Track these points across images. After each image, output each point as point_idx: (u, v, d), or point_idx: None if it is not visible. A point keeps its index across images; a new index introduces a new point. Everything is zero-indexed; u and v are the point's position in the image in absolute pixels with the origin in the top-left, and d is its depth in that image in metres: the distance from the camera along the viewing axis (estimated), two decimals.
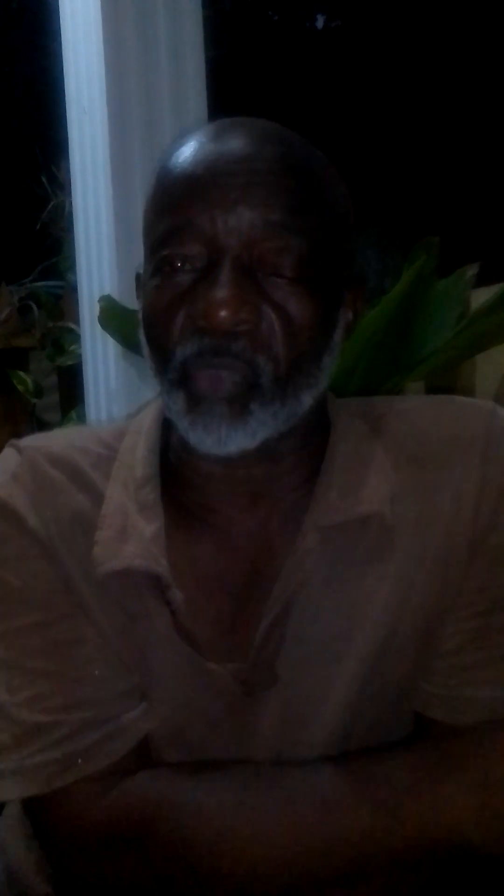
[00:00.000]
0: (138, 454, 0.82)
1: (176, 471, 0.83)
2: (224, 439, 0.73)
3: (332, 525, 0.77)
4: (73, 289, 2.12)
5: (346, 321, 0.80)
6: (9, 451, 0.84)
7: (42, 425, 2.51)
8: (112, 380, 1.73)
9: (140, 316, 0.79)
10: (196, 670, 0.78)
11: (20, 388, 2.50)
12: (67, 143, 1.82)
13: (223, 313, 0.70)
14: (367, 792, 0.73)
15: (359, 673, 0.78)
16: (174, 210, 0.74)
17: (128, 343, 1.57)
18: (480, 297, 1.50)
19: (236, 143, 0.74)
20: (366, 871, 0.72)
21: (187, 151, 0.75)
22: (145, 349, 0.78)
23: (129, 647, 0.78)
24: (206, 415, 0.73)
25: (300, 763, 0.77)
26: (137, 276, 0.83)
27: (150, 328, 0.76)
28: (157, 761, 0.79)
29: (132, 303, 0.89)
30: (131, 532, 0.78)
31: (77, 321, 2.01)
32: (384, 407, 0.86)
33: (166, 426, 0.84)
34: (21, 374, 2.52)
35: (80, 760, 0.75)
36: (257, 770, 0.77)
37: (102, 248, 1.72)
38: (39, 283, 2.64)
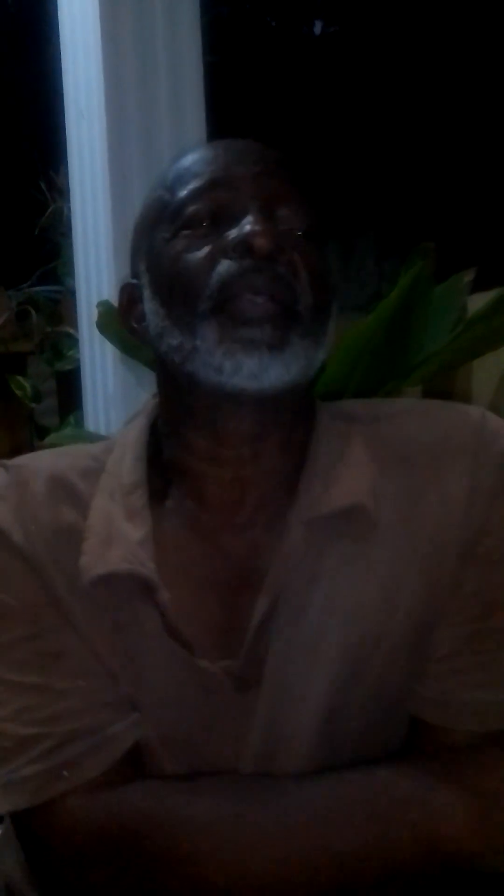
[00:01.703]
0: (125, 463, 0.83)
1: (165, 474, 0.84)
2: (267, 363, 0.74)
3: (316, 518, 0.78)
4: (72, 293, 2.12)
5: (331, 327, 0.82)
6: None
7: (40, 430, 2.51)
8: (110, 385, 1.74)
9: (149, 288, 0.81)
10: (187, 669, 0.78)
11: (18, 392, 2.50)
12: (66, 148, 1.82)
13: (262, 240, 0.74)
14: (362, 803, 0.73)
15: (342, 672, 0.78)
16: (199, 177, 0.79)
17: (126, 348, 1.57)
18: (477, 303, 1.50)
19: (243, 142, 0.83)
20: (363, 883, 0.72)
21: (199, 148, 0.83)
22: (155, 313, 0.79)
23: (119, 655, 0.79)
24: (247, 340, 0.74)
25: (297, 775, 0.76)
26: (127, 287, 0.86)
27: (174, 276, 0.77)
28: (151, 766, 0.79)
29: None
30: (116, 538, 0.79)
31: (75, 326, 2.01)
32: (369, 409, 0.87)
33: (154, 436, 0.86)
34: (19, 378, 2.52)
35: (65, 772, 0.75)
36: (252, 782, 0.77)
37: (101, 253, 1.72)
38: (38, 288, 2.64)
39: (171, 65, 1.70)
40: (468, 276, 1.51)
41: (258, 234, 0.74)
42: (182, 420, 0.82)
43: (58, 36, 1.80)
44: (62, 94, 1.81)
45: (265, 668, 0.77)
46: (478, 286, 1.53)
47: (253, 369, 0.74)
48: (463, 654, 0.78)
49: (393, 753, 0.80)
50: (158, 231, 0.81)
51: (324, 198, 0.85)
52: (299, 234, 0.79)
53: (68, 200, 1.93)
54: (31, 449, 2.48)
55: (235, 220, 0.76)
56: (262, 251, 0.74)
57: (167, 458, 0.84)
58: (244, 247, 0.74)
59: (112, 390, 1.73)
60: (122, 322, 0.87)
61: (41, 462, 0.87)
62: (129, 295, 0.86)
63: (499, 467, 0.79)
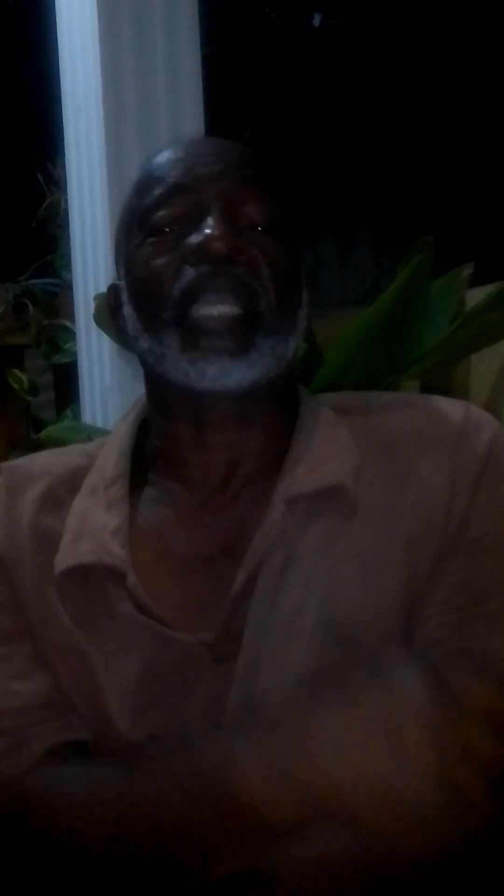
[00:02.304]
0: (110, 458, 0.87)
1: (153, 462, 0.87)
2: (229, 368, 0.77)
3: (298, 496, 0.80)
4: (69, 286, 2.12)
5: (305, 314, 0.85)
6: None
7: (37, 423, 2.50)
8: (107, 378, 1.73)
9: (126, 292, 0.84)
10: (164, 643, 0.79)
11: (15, 386, 2.49)
12: (63, 141, 1.82)
13: (219, 244, 0.76)
14: (176, 776, 0.69)
15: (326, 650, 0.78)
16: (162, 182, 0.82)
17: (123, 341, 1.57)
18: (475, 297, 1.51)
19: (207, 141, 0.88)
20: (194, 856, 0.68)
21: (165, 151, 0.85)
22: (131, 316, 0.83)
23: (95, 644, 0.81)
24: (207, 349, 0.76)
25: (155, 746, 0.76)
26: (112, 288, 0.89)
27: (142, 284, 0.81)
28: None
29: None
30: (87, 532, 0.82)
31: (72, 319, 2.01)
32: (360, 401, 0.89)
33: (143, 430, 0.89)
34: (16, 371, 2.51)
35: None
36: (117, 758, 0.78)
37: (98, 246, 1.72)
38: (35, 281, 2.63)
39: (170, 57, 1.69)
40: (467, 271, 1.51)
41: (215, 238, 0.77)
42: (165, 413, 0.85)
43: (55, 29, 1.79)
44: (59, 87, 1.80)
45: (243, 640, 0.78)
46: (476, 280, 1.54)
47: (216, 374, 0.77)
48: (451, 640, 0.78)
49: None
50: (131, 237, 0.84)
51: (321, 192, 0.87)
52: (261, 229, 0.81)
53: (65, 193, 1.93)
54: (28, 442, 2.50)
55: (198, 224, 0.79)
56: (219, 255, 0.77)
57: (154, 446, 0.87)
58: (202, 252, 0.77)
59: (109, 383, 1.73)
60: (111, 321, 0.91)
61: (34, 465, 0.90)
62: (115, 296, 0.89)
63: (480, 458, 0.80)
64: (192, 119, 1.71)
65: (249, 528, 0.81)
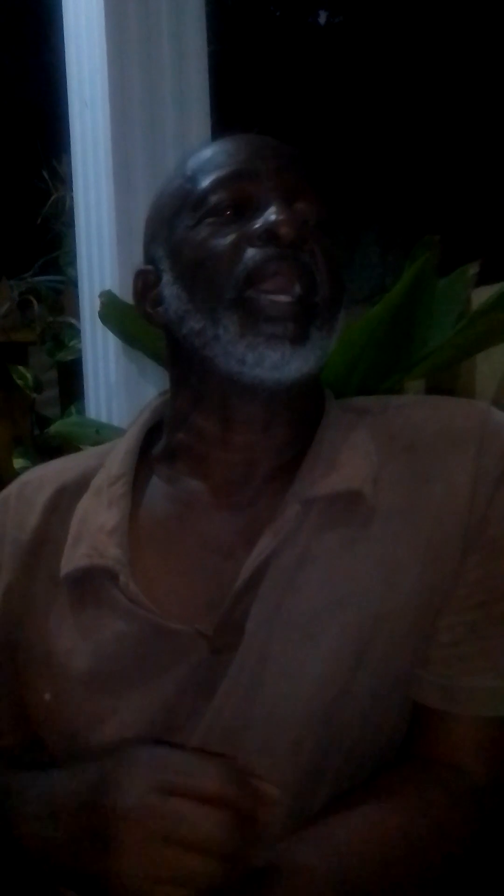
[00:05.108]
0: (118, 457, 0.88)
1: (168, 458, 0.87)
2: (289, 357, 0.77)
3: (313, 498, 0.79)
4: (74, 283, 2.12)
5: (342, 317, 0.86)
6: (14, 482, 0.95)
7: (41, 420, 2.51)
8: (112, 375, 1.73)
9: (170, 273, 0.83)
10: (159, 637, 0.79)
11: (20, 382, 2.49)
12: (69, 137, 1.82)
13: (288, 228, 0.77)
14: None
15: (344, 655, 0.77)
16: (221, 168, 0.82)
17: (128, 338, 1.57)
18: (481, 296, 1.50)
19: (261, 138, 0.86)
20: None
21: (210, 145, 0.85)
22: (177, 297, 0.81)
23: (97, 643, 0.81)
24: (269, 335, 0.77)
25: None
26: (142, 273, 0.88)
27: (198, 264, 0.80)
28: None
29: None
30: (85, 533, 0.84)
31: (77, 316, 2.01)
32: (379, 403, 0.89)
33: (157, 430, 0.90)
34: (21, 368, 2.51)
35: None
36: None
37: (103, 243, 1.71)
38: (40, 278, 2.64)
39: (176, 54, 1.69)
40: (473, 270, 1.51)
41: (284, 222, 0.77)
42: (193, 406, 0.85)
43: (62, 25, 1.79)
44: (66, 83, 1.80)
45: (245, 634, 0.77)
46: (482, 279, 1.53)
47: (276, 362, 0.77)
48: (468, 640, 0.78)
49: (391, 744, 0.80)
50: (180, 219, 0.83)
51: (330, 189, 0.87)
52: (314, 225, 0.82)
53: (71, 190, 1.93)
54: (33, 439, 2.50)
55: (258, 210, 0.79)
56: (288, 238, 0.77)
57: (174, 442, 0.87)
58: (270, 234, 0.77)
59: (114, 380, 1.73)
60: (136, 306, 0.89)
61: (46, 473, 0.93)
62: (144, 280, 0.88)
63: (502, 457, 0.80)
64: (198, 116, 1.71)
65: (262, 526, 0.80)
